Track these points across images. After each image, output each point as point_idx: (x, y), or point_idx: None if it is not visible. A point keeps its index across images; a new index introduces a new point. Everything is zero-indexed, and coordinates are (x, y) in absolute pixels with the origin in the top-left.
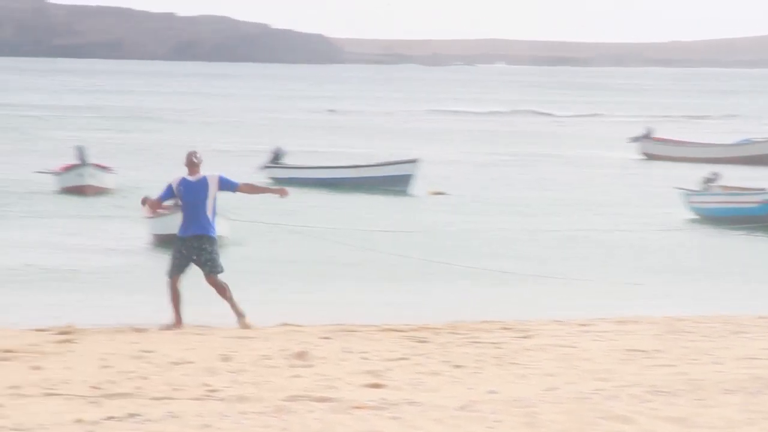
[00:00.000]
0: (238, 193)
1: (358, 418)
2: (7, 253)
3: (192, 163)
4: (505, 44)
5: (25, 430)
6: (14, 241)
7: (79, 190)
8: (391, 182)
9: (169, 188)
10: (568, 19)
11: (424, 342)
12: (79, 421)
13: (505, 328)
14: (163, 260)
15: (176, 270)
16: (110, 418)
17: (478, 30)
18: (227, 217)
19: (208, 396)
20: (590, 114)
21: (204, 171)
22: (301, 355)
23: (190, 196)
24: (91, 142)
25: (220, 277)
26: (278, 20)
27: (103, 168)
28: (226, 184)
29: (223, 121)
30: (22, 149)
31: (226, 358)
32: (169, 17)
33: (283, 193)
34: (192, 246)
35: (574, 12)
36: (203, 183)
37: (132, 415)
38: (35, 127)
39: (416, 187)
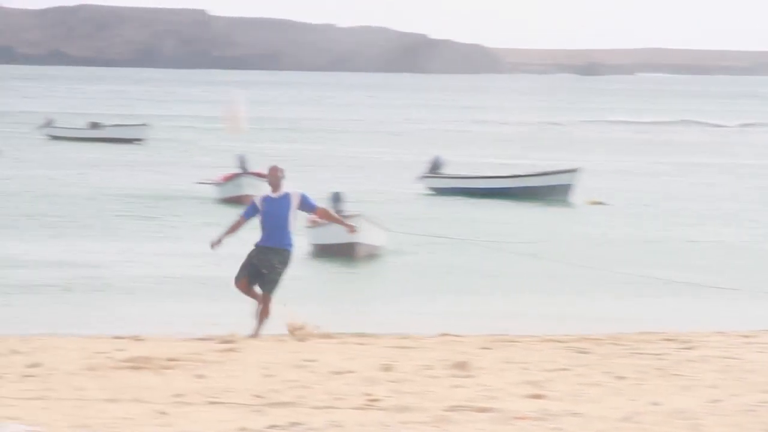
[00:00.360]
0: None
1: (520, 428)
2: (170, 263)
3: (276, 180)
4: (664, 53)
5: None
6: (176, 252)
7: (238, 200)
8: (551, 192)
9: (253, 205)
10: (726, 28)
11: (586, 353)
12: (242, 429)
13: (667, 339)
14: (323, 269)
15: (243, 274)
16: (273, 426)
17: (637, 39)
18: (385, 227)
19: (369, 405)
20: (753, 123)
21: (287, 188)
22: (461, 366)
23: (273, 211)
24: (256, 153)
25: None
26: (437, 30)
27: (263, 177)
28: (306, 205)
29: (385, 131)
30: (185, 161)
31: (387, 368)
32: (329, 28)
33: (351, 230)
34: (266, 258)
35: (731, 21)
36: (286, 199)
37: (294, 424)
38: (198, 137)
39: (576, 196)
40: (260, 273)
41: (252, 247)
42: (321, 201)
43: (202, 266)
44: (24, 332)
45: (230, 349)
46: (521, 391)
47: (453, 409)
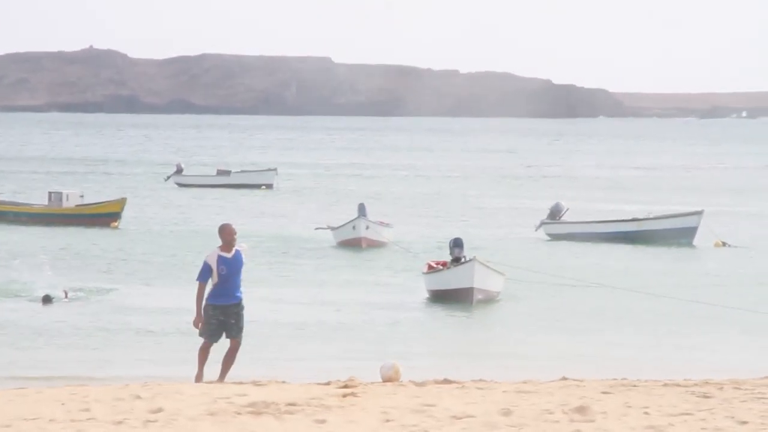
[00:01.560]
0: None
1: None
2: (286, 308)
3: (233, 240)
4: None
5: None
6: (293, 297)
7: (354, 243)
8: (675, 234)
9: (207, 267)
10: None
11: (707, 397)
12: None
13: None
14: (437, 315)
15: (207, 336)
16: None
17: (760, 82)
18: (502, 272)
19: None
20: None
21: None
22: (581, 410)
23: (230, 270)
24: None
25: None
26: (560, 75)
27: (380, 223)
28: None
29: (512, 176)
30: (309, 206)
31: (506, 413)
32: (453, 74)
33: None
34: (230, 312)
35: None
36: (239, 257)
37: None
38: (320, 183)
39: (701, 239)
40: (227, 325)
41: (206, 307)
42: (442, 247)
43: (317, 311)
44: (145, 378)
45: (350, 394)
46: None
47: None
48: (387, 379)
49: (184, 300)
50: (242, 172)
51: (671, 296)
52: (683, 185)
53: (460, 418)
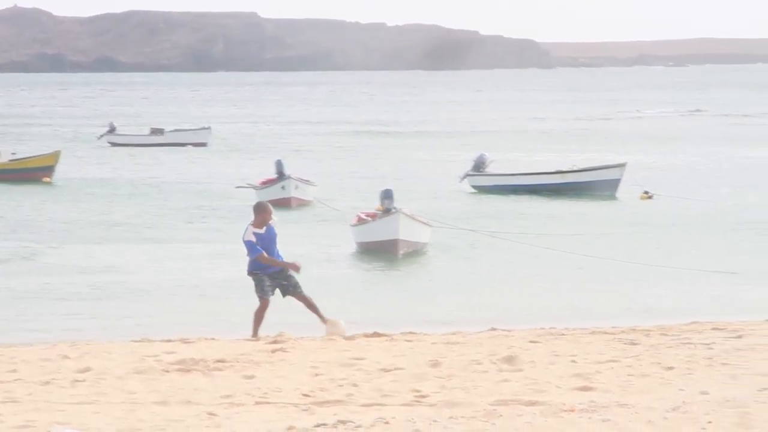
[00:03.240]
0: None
1: (568, 421)
2: (215, 265)
3: (269, 218)
4: (714, 43)
5: None
6: (219, 253)
7: (283, 203)
8: (599, 187)
9: (251, 243)
10: None
11: (634, 344)
12: (290, 428)
13: (716, 329)
14: (364, 267)
15: (267, 295)
16: (321, 425)
17: (686, 30)
18: (429, 223)
19: (417, 402)
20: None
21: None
22: (509, 360)
23: (268, 245)
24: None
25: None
26: (487, 26)
27: (305, 181)
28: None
29: (436, 130)
30: (239, 163)
31: (435, 364)
32: (380, 27)
33: (295, 268)
34: (278, 276)
35: None
36: (272, 231)
37: (343, 422)
38: (252, 139)
39: (623, 191)
40: (281, 286)
41: (263, 277)
42: (373, 197)
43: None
44: (73, 338)
45: (279, 349)
46: (569, 383)
47: (501, 403)
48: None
49: (114, 259)
50: (176, 131)
51: (593, 248)
52: (609, 135)
53: (389, 371)
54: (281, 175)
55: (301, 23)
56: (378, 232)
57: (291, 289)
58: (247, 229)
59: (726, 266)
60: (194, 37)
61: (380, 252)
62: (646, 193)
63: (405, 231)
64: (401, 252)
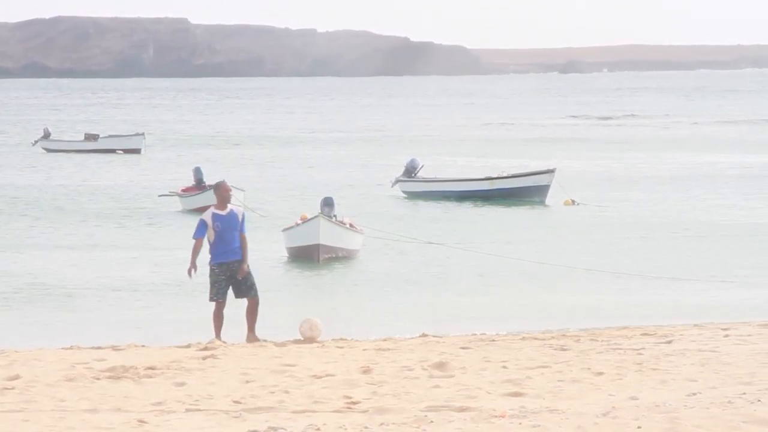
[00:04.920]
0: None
1: (499, 427)
2: (142, 272)
3: (228, 197)
4: (644, 50)
5: None
6: (146, 260)
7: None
8: (527, 193)
9: (203, 223)
10: (707, 20)
11: (564, 350)
12: None
13: (646, 334)
14: (293, 273)
15: (219, 296)
16: None
17: (618, 36)
18: (360, 230)
19: (349, 408)
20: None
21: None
22: (440, 366)
23: (226, 227)
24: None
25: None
26: (418, 33)
27: (233, 186)
28: (242, 225)
29: (363, 138)
30: (169, 172)
31: (367, 371)
32: (311, 33)
33: (242, 274)
34: (235, 269)
35: (717, 16)
36: (234, 215)
37: (274, 429)
38: (182, 148)
39: (552, 197)
40: (235, 283)
41: (212, 267)
42: (314, 205)
43: (176, 273)
44: (1, 346)
45: (210, 356)
46: (500, 389)
47: (432, 409)
48: (308, 338)
49: (44, 264)
50: (110, 137)
51: (522, 254)
52: (538, 140)
53: (321, 377)
54: (199, 182)
55: (232, 29)
56: (301, 237)
57: (245, 289)
58: (208, 209)
59: (650, 270)
60: (124, 43)
61: (304, 257)
62: (573, 201)
63: (326, 236)
64: (322, 257)
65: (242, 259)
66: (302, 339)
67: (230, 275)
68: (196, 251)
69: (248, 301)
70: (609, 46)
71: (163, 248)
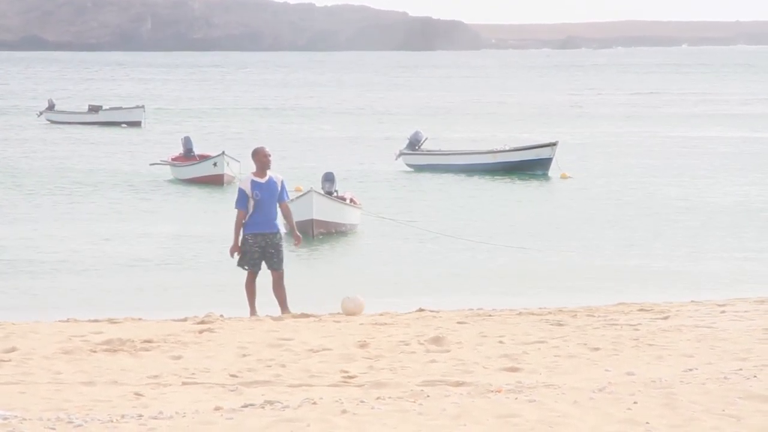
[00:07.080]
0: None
1: (495, 401)
2: (135, 243)
3: (268, 163)
4: (641, 26)
5: (164, 419)
6: (140, 232)
7: (213, 180)
8: (530, 167)
9: (243, 193)
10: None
11: (561, 325)
12: (217, 408)
13: (642, 310)
14: (291, 248)
15: (250, 266)
16: (248, 405)
17: (612, 12)
18: (359, 205)
19: (345, 382)
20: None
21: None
22: (437, 341)
23: (265, 196)
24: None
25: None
26: (417, 8)
27: (231, 158)
28: (282, 193)
29: (372, 111)
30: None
31: (363, 345)
32: (309, 8)
33: (298, 241)
34: (267, 242)
35: None
36: (273, 184)
37: (270, 403)
38: (181, 120)
39: (553, 170)
40: (267, 255)
41: (246, 237)
42: (314, 180)
43: (170, 246)
44: None
45: (207, 330)
46: (497, 364)
47: (428, 383)
48: (350, 313)
49: (39, 236)
50: (111, 109)
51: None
52: (540, 115)
53: (317, 351)
54: (189, 152)
55: (230, 3)
56: (294, 212)
57: (276, 262)
58: (246, 176)
59: (650, 248)
60: (122, 17)
61: (300, 232)
62: (566, 174)
63: (320, 211)
64: (316, 232)
65: (291, 228)
66: (343, 313)
67: (265, 246)
68: (238, 225)
69: (272, 274)
70: (608, 22)
71: (160, 221)
